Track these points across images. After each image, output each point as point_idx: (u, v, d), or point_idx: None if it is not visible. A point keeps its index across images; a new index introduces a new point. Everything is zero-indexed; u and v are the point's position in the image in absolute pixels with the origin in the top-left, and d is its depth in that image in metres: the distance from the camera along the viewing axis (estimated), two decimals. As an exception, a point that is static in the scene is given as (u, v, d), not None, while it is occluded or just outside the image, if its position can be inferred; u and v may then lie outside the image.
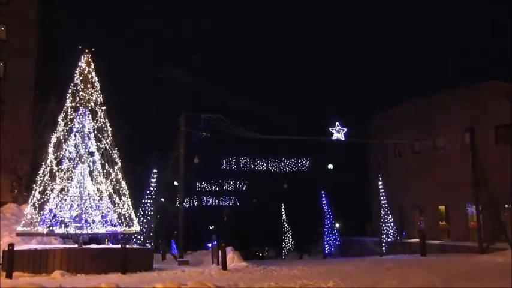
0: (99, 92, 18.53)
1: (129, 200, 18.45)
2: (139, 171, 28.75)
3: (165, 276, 15.00)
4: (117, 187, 18.18)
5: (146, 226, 24.10)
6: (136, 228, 18.55)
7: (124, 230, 18.06)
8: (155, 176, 26.20)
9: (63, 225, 17.10)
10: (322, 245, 38.06)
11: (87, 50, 18.55)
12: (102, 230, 17.64)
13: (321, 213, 36.30)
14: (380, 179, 28.93)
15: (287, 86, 71.27)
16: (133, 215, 18.50)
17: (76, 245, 17.41)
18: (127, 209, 18.22)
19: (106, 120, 18.50)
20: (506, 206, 28.23)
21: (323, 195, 35.02)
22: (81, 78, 18.33)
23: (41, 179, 17.45)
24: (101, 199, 17.95)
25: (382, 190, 28.81)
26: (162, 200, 24.67)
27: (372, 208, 37.80)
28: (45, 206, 17.27)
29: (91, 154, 18.03)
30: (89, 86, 18.32)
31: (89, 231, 17.39)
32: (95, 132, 18.33)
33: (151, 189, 26.14)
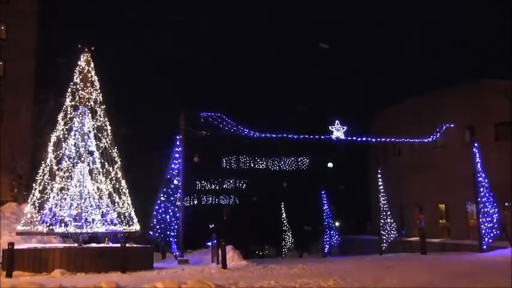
0: (99, 91, 18.53)
1: (129, 199, 18.45)
2: (140, 169, 28.74)
3: (165, 275, 15.01)
4: (117, 186, 18.19)
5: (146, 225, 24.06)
6: (136, 227, 18.56)
7: (124, 229, 18.08)
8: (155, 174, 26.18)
9: (63, 224, 17.11)
10: (322, 244, 38.05)
11: (86, 49, 18.54)
12: (102, 229, 17.65)
13: (320, 212, 36.28)
14: (380, 177, 28.90)
15: (287, 86, 71.30)
16: (133, 214, 18.51)
17: (76, 244, 17.43)
18: (127, 208, 18.22)
19: (106, 119, 18.51)
20: (506, 204, 28.25)
21: (323, 194, 35.01)
22: (80, 77, 18.32)
23: (41, 178, 17.46)
24: (100, 198, 17.96)
25: (382, 188, 28.80)
26: (162, 198, 24.63)
27: (372, 206, 37.82)
28: (45, 205, 17.29)
29: (91, 153, 18.03)
30: (88, 85, 18.32)
31: (89, 230, 17.40)
32: (95, 131, 18.33)
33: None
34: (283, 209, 53.15)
